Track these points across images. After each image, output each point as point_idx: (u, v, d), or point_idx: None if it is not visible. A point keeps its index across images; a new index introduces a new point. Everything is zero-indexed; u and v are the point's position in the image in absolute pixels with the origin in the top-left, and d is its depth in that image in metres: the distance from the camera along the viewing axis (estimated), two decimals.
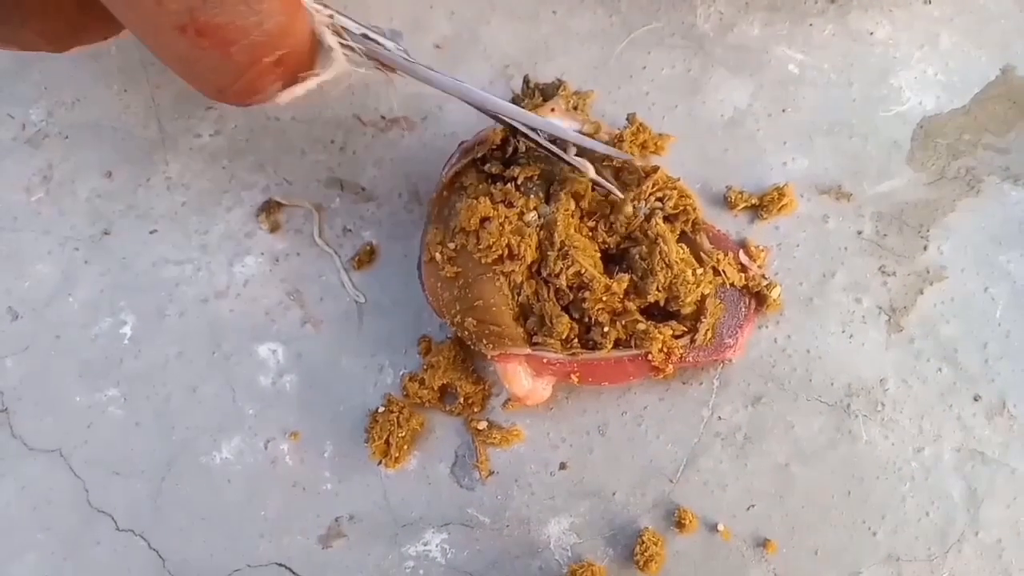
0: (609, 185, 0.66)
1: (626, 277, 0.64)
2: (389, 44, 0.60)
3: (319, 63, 0.57)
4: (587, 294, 0.63)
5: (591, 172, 0.65)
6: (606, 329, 0.63)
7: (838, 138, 0.73)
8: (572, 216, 0.65)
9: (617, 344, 0.64)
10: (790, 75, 0.75)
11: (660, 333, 0.63)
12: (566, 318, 0.63)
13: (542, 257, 0.64)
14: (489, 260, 0.64)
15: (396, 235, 0.73)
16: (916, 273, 0.69)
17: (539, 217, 0.65)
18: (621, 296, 0.64)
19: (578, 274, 0.63)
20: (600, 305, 0.63)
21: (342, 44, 0.58)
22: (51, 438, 0.70)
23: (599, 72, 0.76)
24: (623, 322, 0.64)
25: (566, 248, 0.63)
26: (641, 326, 0.63)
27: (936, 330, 0.67)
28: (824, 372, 0.67)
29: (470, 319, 0.64)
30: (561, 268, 0.63)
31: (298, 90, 0.57)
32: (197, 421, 0.69)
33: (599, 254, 0.65)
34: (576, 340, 0.64)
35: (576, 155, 0.66)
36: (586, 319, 0.64)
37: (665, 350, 0.63)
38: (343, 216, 0.74)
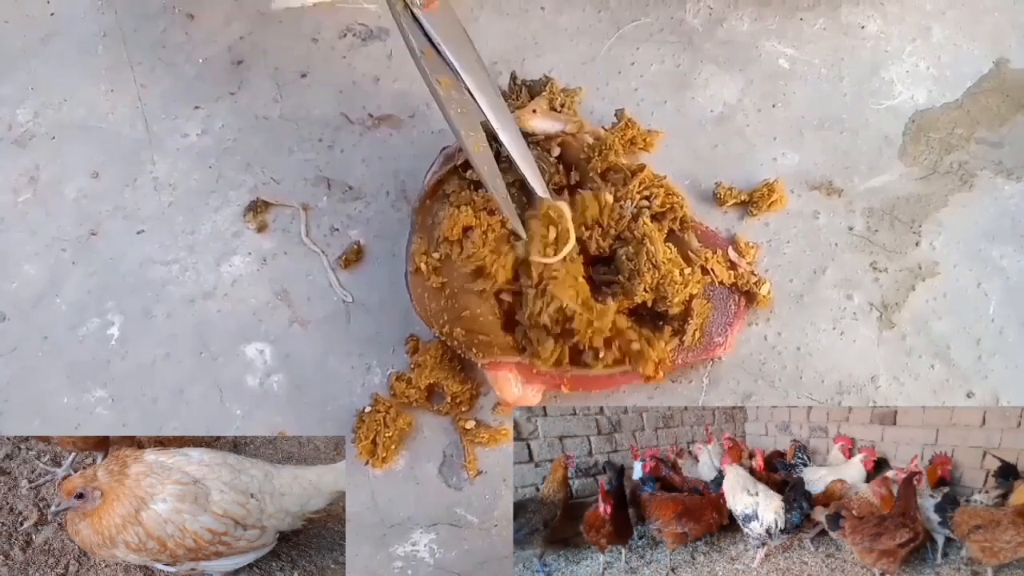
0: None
1: (612, 306, 0.62)
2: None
3: None
4: (574, 325, 0.61)
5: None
6: (601, 354, 0.62)
7: (829, 133, 0.72)
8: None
9: None
10: (780, 70, 0.74)
11: (654, 351, 0.62)
12: (551, 342, 0.62)
13: (517, 277, 0.62)
14: (468, 271, 0.63)
15: (384, 234, 0.72)
16: (908, 269, 0.68)
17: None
18: (611, 322, 0.62)
19: (560, 309, 0.61)
20: (591, 332, 0.61)
21: None
22: None
23: (587, 68, 0.76)
24: (617, 343, 0.62)
25: (544, 283, 0.61)
26: (635, 346, 0.62)
27: (928, 326, 0.66)
28: (815, 369, 0.66)
29: (458, 329, 0.63)
30: (541, 307, 0.61)
31: None
32: (185, 423, 0.69)
33: (584, 275, 0.63)
34: (566, 361, 0.62)
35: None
36: (578, 344, 0.62)
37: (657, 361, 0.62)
38: (330, 215, 0.74)
